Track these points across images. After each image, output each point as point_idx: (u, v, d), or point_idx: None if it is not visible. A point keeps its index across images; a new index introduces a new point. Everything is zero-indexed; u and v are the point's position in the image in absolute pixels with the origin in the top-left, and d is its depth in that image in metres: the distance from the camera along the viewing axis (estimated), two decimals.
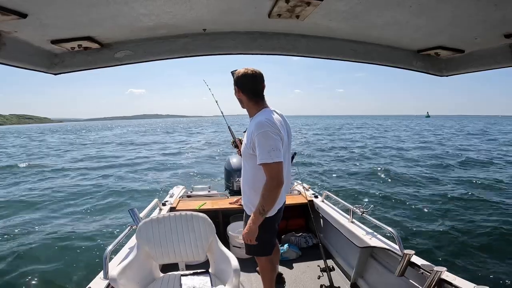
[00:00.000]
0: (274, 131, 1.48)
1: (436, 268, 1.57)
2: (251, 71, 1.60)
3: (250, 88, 1.62)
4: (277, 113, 1.66)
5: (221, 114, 3.09)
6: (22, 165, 12.32)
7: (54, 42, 1.29)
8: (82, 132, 51.94)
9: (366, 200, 6.39)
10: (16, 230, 4.86)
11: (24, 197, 7.15)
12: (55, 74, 1.48)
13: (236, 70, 1.66)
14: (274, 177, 1.44)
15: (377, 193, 6.94)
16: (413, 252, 1.74)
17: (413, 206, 5.94)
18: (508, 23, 1.13)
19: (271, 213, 1.61)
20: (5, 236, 4.59)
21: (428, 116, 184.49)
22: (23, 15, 1.01)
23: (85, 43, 1.34)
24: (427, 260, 1.78)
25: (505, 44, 1.32)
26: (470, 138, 24.41)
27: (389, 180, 8.40)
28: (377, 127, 46.61)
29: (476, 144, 18.69)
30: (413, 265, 1.73)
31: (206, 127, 57.57)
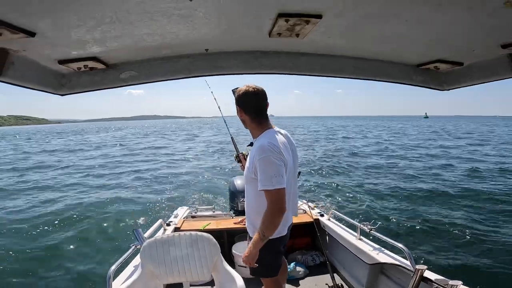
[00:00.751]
0: (276, 156, 1.42)
1: (451, 282, 1.53)
2: (253, 88, 1.55)
3: (252, 106, 1.57)
4: (281, 133, 1.61)
5: (221, 115, 3.06)
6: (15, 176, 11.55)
7: (62, 62, 1.28)
8: (82, 134, 51.17)
9: (372, 213, 6.06)
10: (15, 248, 4.66)
11: (20, 209, 6.82)
12: (62, 95, 1.45)
13: (237, 88, 1.60)
14: (275, 204, 1.40)
15: (383, 206, 6.57)
16: (425, 267, 1.69)
17: (421, 220, 5.59)
18: (503, 33, 1.11)
19: (275, 235, 1.56)
20: (5, 254, 4.45)
21: (426, 117, 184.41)
22: (32, 34, 0.99)
23: (91, 64, 1.32)
24: (441, 275, 1.73)
25: (503, 55, 1.29)
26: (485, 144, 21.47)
27: (395, 192, 7.83)
28: (376, 129, 46.34)
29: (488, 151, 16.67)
30: (427, 280, 1.70)
31: (206, 129, 56.83)
